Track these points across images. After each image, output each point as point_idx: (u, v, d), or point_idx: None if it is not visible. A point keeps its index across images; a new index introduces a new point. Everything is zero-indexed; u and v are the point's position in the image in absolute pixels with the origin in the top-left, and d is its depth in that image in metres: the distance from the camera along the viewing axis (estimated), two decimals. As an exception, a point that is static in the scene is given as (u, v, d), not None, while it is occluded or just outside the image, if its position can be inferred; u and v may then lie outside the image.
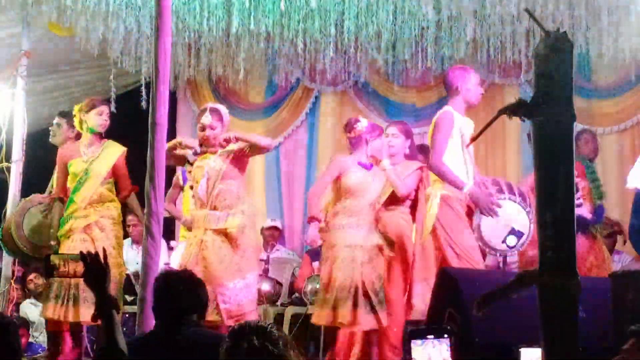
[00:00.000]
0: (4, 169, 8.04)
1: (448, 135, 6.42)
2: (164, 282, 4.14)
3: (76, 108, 7.13)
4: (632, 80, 9.21)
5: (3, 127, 8.13)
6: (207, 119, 6.66)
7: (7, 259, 7.87)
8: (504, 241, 6.30)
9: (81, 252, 3.66)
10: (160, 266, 6.96)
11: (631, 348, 3.64)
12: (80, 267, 3.65)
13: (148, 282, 5.48)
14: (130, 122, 7.29)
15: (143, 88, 8.91)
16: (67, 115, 7.48)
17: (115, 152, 7.10)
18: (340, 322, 6.69)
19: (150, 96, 5.66)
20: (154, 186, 5.56)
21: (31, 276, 8.76)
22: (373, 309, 6.71)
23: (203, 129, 6.66)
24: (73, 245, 6.79)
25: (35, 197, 7.37)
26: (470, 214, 6.51)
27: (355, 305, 6.68)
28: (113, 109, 8.80)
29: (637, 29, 8.22)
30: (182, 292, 4.02)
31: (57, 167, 7.20)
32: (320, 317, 6.80)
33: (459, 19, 8.43)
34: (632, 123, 9.42)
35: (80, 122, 7.07)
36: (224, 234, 6.54)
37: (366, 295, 6.69)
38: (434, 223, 6.46)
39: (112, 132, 7.44)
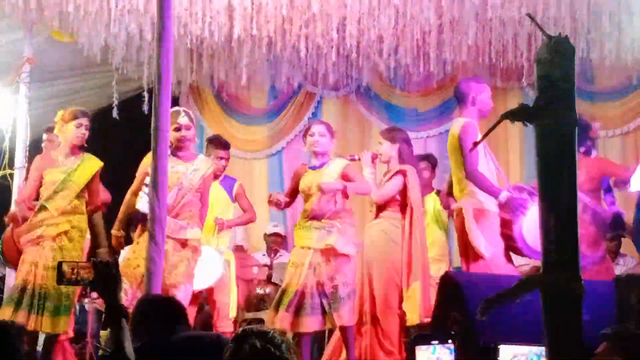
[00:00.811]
0: (7, 175, 8.04)
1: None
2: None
3: (58, 115, 7.12)
4: (634, 83, 9.22)
5: (6, 134, 8.14)
6: (184, 119, 6.71)
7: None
8: None
9: (93, 260, 3.66)
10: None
11: (604, 351, 3.63)
12: (87, 275, 3.65)
13: (152, 287, 5.49)
14: (132, 128, 7.29)
15: (145, 94, 8.91)
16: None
17: (93, 165, 7.12)
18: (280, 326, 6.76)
19: (153, 102, 5.66)
20: (157, 192, 5.56)
21: None
22: (323, 311, 6.79)
23: (179, 129, 6.66)
24: (42, 253, 6.86)
25: None
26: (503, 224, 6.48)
27: (297, 308, 6.78)
28: (115, 115, 8.84)
29: (638, 32, 8.22)
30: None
31: (31, 174, 7.19)
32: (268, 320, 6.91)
33: (460, 23, 8.42)
34: (634, 126, 9.42)
35: (60, 130, 7.06)
36: (182, 243, 6.60)
37: (313, 296, 6.77)
38: (470, 236, 6.42)
39: (114, 139, 7.46)
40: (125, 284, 6.34)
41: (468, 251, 6.40)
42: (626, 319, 4.98)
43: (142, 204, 6.56)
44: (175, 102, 8.96)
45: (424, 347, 4.32)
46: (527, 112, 2.87)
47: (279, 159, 10.59)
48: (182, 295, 6.46)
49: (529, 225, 6.31)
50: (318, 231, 6.91)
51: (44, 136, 7.60)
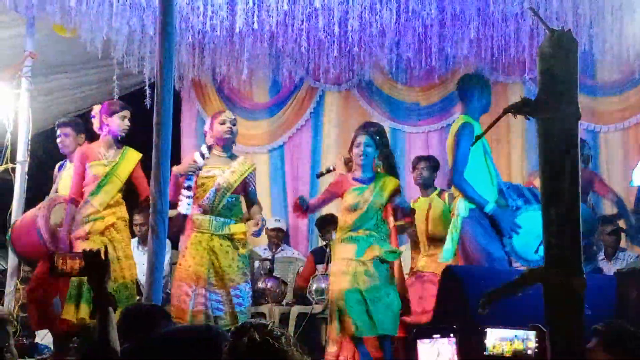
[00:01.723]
0: (9, 170, 8.05)
1: (468, 151, 6.36)
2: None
3: (96, 108, 7.22)
4: (636, 78, 9.21)
5: (8, 128, 8.15)
6: (231, 115, 7.14)
7: (13, 260, 7.88)
8: (536, 251, 6.25)
9: (84, 250, 3.69)
10: (165, 266, 7.09)
11: (595, 347, 3.63)
12: (77, 265, 3.67)
13: (154, 280, 5.51)
14: (134, 122, 7.31)
15: (147, 88, 8.91)
16: (70, 124, 7.56)
17: (134, 157, 7.25)
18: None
19: (155, 96, 5.68)
20: (159, 186, 5.58)
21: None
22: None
23: (230, 129, 6.99)
24: (93, 247, 6.86)
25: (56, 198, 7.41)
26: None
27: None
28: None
29: (640, 27, 8.22)
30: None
31: (74, 167, 7.22)
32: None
33: (462, 17, 8.42)
34: (636, 120, 9.41)
35: (101, 124, 7.14)
36: (229, 238, 6.73)
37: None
38: (461, 240, 6.42)
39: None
40: (187, 287, 6.54)
41: (468, 254, 6.40)
42: (626, 312, 5.00)
43: (183, 207, 6.71)
44: (177, 96, 8.96)
45: (426, 340, 4.33)
46: (530, 106, 2.87)
47: (280, 154, 10.59)
48: (243, 293, 6.74)
49: (521, 233, 6.33)
50: (358, 243, 6.91)
51: (58, 131, 7.61)
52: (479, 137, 3.08)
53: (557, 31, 2.82)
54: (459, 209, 6.38)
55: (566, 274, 2.74)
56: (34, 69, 8.22)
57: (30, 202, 7.82)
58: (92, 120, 7.28)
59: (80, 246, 6.95)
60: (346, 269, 6.79)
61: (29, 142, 8.08)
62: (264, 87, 10.63)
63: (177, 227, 6.86)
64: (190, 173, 6.81)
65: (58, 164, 7.80)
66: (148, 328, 3.92)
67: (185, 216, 6.82)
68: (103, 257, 3.68)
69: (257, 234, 6.89)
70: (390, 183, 7.00)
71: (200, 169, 6.85)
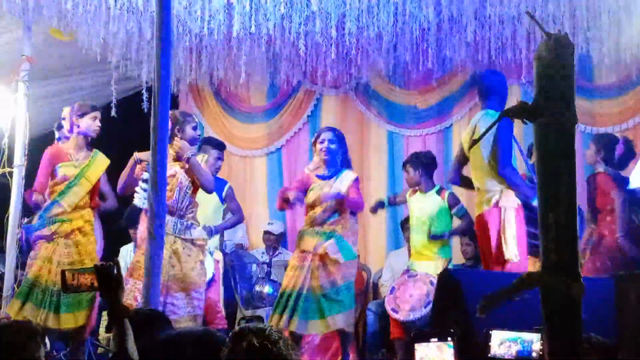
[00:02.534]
0: (6, 174, 8.03)
1: (510, 143, 6.41)
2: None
3: (66, 110, 7.20)
4: (633, 80, 9.20)
5: (5, 132, 8.13)
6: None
7: (10, 263, 7.87)
8: None
9: (95, 265, 3.69)
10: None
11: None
12: (89, 280, 3.67)
13: (151, 284, 5.50)
14: (131, 126, 7.32)
15: (144, 92, 8.91)
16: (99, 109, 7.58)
17: (104, 162, 7.28)
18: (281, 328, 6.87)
19: (152, 100, 5.67)
20: (156, 190, 5.58)
21: None
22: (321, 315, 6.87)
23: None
24: (56, 249, 6.92)
25: None
26: None
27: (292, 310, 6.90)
28: (114, 113, 8.84)
29: (638, 29, 8.21)
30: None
31: (41, 166, 7.25)
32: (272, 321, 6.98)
33: (459, 20, 8.42)
34: (634, 123, 9.39)
35: (71, 125, 7.14)
36: (192, 242, 6.74)
37: (307, 300, 6.85)
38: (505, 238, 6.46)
39: (114, 137, 7.48)
40: (140, 284, 6.52)
41: (499, 254, 6.41)
42: (625, 316, 4.99)
43: (139, 200, 6.68)
44: (174, 100, 8.96)
45: (423, 344, 4.32)
46: (527, 110, 2.87)
47: (278, 157, 10.59)
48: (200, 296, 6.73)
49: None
50: (319, 237, 7.01)
51: (56, 134, 7.62)
52: (476, 141, 3.08)
53: (553, 35, 2.82)
54: (508, 202, 6.42)
55: (564, 278, 2.74)
56: (31, 73, 8.21)
57: (28, 206, 7.81)
58: (62, 122, 7.28)
59: (43, 246, 6.97)
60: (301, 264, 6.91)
61: (27, 147, 8.07)
62: (262, 91, 10.63)
63: (130, 220, 6.84)
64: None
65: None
66: (148, 333, 3.91)
67: (140, 209, 6.80)
68: (115, 271, 3.67)
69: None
70: (347, 177, 7.21)
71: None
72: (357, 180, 7.33)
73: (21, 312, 6.84)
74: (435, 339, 4.32)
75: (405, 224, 8.74)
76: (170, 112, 6.89)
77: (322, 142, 7.30)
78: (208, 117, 10.72)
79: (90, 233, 7.16)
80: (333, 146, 7.29)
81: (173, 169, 6.76)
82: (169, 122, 6.72)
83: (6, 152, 8.04)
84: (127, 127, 8.59)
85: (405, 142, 10.22)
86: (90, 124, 7.15)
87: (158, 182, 5.59)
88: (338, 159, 7.32)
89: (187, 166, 6.76)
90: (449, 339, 4.28)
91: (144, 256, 6.59)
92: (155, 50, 5.67)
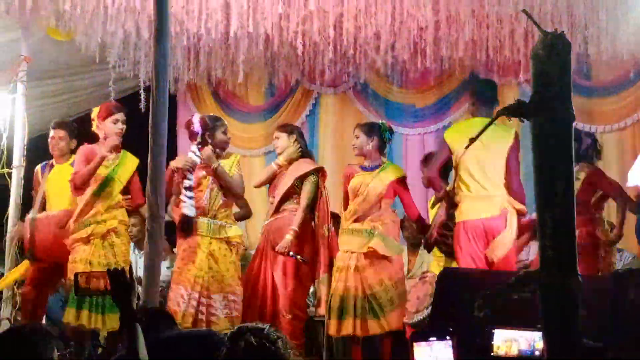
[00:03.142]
0: (5, 174, 8.04)
1: None
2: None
3: (95, 111, 7.24)
4: (631, 78, 9.21)
5: (3, 133, 8.14)
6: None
7: (10, 264, 7.87)
8: None
9: (107, 269, 3.68)
10: (163, 270, 7.10)
11: None
12: (102, 284, 3.66)
13: (150, 285, 5.51)
14: (130, 126, 7.31)
15: (142, 92, 8.91)
16: (64, 126, 7.55)
17: (133, 162, 7.29)
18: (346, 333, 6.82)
19: (150, 100, 5.68)
20: (155, 190, 5.59)
21: None
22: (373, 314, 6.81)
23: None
24: (94, 251, 6.91)
25: None
26: None
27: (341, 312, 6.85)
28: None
29: (635, 27, 8.22)
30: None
31: (78, 165, 7.19)
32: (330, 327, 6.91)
33: (457, 19, 8.42)
34: (632, 121, 9.41)
35: (97, 127, 7.16)
36: (227, 242, 6.76)
37: (356, 300, 6.81)
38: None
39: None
40: (183, 290, 6.55)
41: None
42: (623, 313, 5.00)
43: (187, 209, 6.70)
44: (172, 100, 8.95)
45: (422, 343, 4.33)
46: (524, 108, 2.87)
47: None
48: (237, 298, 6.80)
49: None
50: (361, 234, 6.97)
51: (51, 132, 7.60)
52: (473, 140, 3.09)
53: (550, 34, 2.82)
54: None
55: (562, 276, 2.75)
56: (29, 73, 8.22)
57: (27, 206, 7.81)
58: (92, 122, 7.30)
59: (80, 249, 6.98)
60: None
61: (25, 147, 8.07)
62: (260, 90, 10.63)
63: (185, 229, 6.86)
64: (187, 167, 6.77)
65: (40, 165, 7.75)
66: (153, 331, 3.91)
67: (190, 218, 6.81)
68: (128, 275, 3.66)
69: None
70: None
71: (195, 165, 6.83)
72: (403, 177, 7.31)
73: (79, 320, 6.86)
74: (434, 339, 4.33)
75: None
76: (199, 116, 7.01)
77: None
78: (206, 116, 10.71)
79: (124, 234, 7.20)
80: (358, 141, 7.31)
81: (203, 171, 6.84)
82: (199, 126, 6.81)
83: (5, 153, 8.05)
84: (123, 126, 8.57)
85: (404, 141, 10.23)
86: (112, 127, 7.16)
87: (157, 183, 5.59)
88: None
89: (211, 173, 6.82)
90: (448, 338, 4.29)
91: (183, 263, 6.69)
92: (153, 49, 5.68)
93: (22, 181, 8.01)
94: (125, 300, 3.56)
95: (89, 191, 7.09)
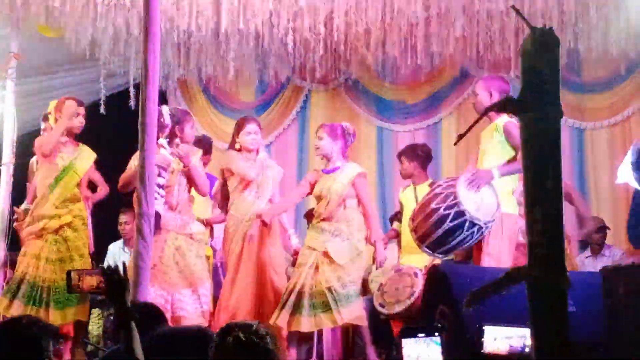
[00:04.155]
0: (-6, 171, 8.02)
1: None
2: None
3: (51, 105, 7.18)
4: (621, 75, 9.22)
5: (-7, 130, 8.12)
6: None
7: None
8: None
9: (101, 267, 3.66)
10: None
11: None
12: (95, 282, 3.65)
13: (139, 283, 5.49)
14: (119, 123, 7.30)
15: (132, 89, 8.89)
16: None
17: (91, 155, 7.24)
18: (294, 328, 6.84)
19: (140, 97, 5.66)
20: (145, 187, 5.56)
21: None
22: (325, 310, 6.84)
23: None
24: (44, 246, 6.89)
25: None
26: None
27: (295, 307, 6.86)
28: (102, 110, 8.82)
29: (625, 24, 8.23)
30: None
31: (40, 160, 7.22)
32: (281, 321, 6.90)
33: (447, 15, 8.42)
34: (622, 117, 9.42)
35: (56, 120, 7.11)
36: (191, 237, 6.75)
37: (312, 296, 6.83)
38: None
39: (102, 133, 7.46)
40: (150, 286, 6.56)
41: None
42: (613, 310, 5.00)
43: (157, 206, 6.67)
44: (162, 96, 8.94)
45: (411, 339, 4.33)
46: (512, 105, 2.86)
47: (267, 153, 10.57)
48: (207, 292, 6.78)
49: None
50: (324, 233, 6.98)
51: (42, 125, 7.58)
52: (461, 136, 3.08)
53: (538, 29, 2.81)
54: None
55: (550, 273, 2.74)
56: (19, 70, 8.19)
57: (17, 203, 7.79)
58: (49, 115, 7.25)
59: (32, 243, 6.97)
60: None
61: (15, 144, 8.05)
62: (250, 87, 10.63)
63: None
64: (162, 165, 6.69)
65: (35, 157, 7.71)
66: (146, 328, 3.91)
67: (158, 214, 6.76)
68: (122, 274, 3.64)
69: None
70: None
71: (169, 163, 6.78)
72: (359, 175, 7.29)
73: (9, 310, 6.82)
74: (423, 335, 4.32)
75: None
76: (168, 108, 6.94)
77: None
78: (196, 113, 10.67)
79: (81, 228, 7.11)
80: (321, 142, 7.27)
81: (172, 165, 6.77)
82: (169, 119, 6.76)
83: (-6, 150, 8.03)
84: (115, 124, 8.57)
85: (394, 138, 10.23)
86: (74, 120, 7.11)
87: (147, 180, 5.57)
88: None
89: (186, 169, 6.77)
90: (437, 334, 4.29)
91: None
92: (143, 46, 5.66)
93: (12, 178, 7.98)
94: (120, 299, 3.53)
95: (44, 184, 7.06)
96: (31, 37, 8.44)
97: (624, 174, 6.81)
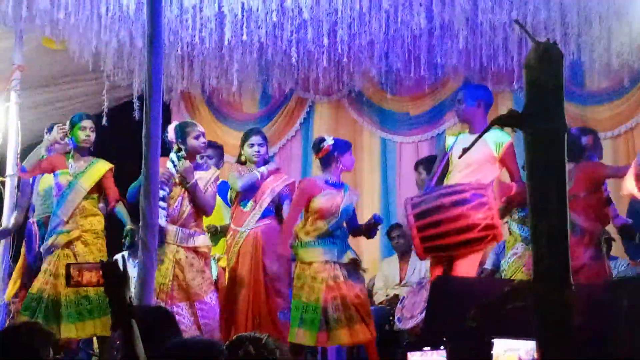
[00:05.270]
0: (-1, 183, 8.03)
1: None
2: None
3: (69, 122, 7.23)
4: (625, 86, 9.22)
5: (-3, 142, 8.13)
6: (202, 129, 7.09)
7: (1, 272, 7.86)
8: None
9: (101, 261, 3.61)
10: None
11: None
12: (94, 276, 3.59)
13: (144, 294, 5.48)
14: (123, 135, 7.31)
15: (136, 101, 8.91)
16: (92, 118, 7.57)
17: (101, 168, 7.19)
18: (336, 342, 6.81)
19: (144, 109, 5.66)
20: (149, 199, 5.56)
21: None
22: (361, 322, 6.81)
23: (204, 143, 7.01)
24: (55, 262, 6.90)
25: None
26: None
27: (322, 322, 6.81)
28: (105, 122, 8.83)
29: (628, 35, 8.24)
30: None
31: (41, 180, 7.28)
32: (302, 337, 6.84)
33: (450, 27, 8.44)
34: (625, 128, 9.41)
35: (65, 136, 7.16)
36: (195, 251, 6.73)
37: (347, 309, 6.78)
38: None
39: (106, 146, 7.47)
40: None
41: None
42: (617, 321, 4.99)
43: (160, 219, 6.66)
44: (166, 108, 8.95)
45: (416, 353, 4.32)
46: (516, 118, 2.87)
47: (275, 164, 10.57)
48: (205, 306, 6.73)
49: None
50: (337, 246, 6.96)
51: (45, 136, 7.59)
52: (466, 150, 3.09)
53: (542, 43, 2.82)
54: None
55: (556, 287, 2.74)
56: (23, 82, 8.21)
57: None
58: (67, 132, 7.28)
59: (46, 260, 6.99)
60: None
61: (19, 156, 8.06)
62: (254, 99, 10.64)
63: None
64: (163, 179, 6.68)
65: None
66: (155, 334, 3.89)
67: (161, 227, 6.74)
68: (121, 269, 3.59)
69: None
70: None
71: (172, 176, 6.78)
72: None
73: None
74: (428, 348, 4.32)
75: (391, 232, 8.78)
76: (174, 124, 6.97)
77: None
78: (200, 125, 10.71)
79: (93, 242, 7.06)
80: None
81: (174, 178, 6.79)
82: (173, 134, 6.79)
83: (-2, 162, 8.05)
84: (118, 136, 8.58)
85: (398, 149, 10.24)
86: (79, 134, 7.14)
87: (151, 192, 5.57)
88: None
89: (188, 186, 6.77)
90: (442, 347, 4.28)
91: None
92: (147, 58, 5.66)
93: (16, 190, 7.99)
94: (119, 294, 3.45)
95: (54, 201, 7.09)
96: (35, 49, 8.46)
97: (629, 185, 6.80)
